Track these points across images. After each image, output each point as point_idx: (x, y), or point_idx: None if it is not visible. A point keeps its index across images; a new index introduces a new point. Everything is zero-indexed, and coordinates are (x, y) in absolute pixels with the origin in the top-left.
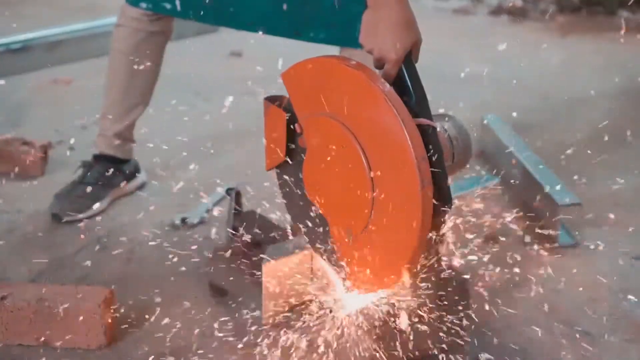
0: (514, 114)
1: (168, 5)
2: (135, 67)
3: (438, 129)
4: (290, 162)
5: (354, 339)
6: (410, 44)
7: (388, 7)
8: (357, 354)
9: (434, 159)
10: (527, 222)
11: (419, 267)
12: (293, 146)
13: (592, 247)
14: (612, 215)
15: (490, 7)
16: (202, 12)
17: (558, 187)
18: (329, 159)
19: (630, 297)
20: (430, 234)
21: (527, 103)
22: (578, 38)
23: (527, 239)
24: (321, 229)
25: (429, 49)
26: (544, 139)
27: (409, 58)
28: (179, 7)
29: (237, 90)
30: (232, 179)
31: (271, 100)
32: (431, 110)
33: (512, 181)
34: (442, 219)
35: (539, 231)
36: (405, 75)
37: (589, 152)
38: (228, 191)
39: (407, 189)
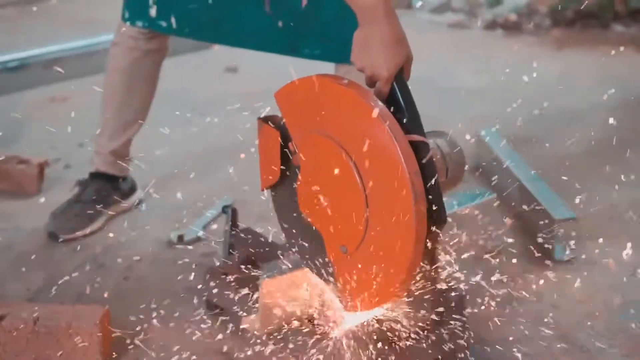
0: (510, 128)
1: (164, 24)
2: (132, 85)
3: (431, 146)
4: (285, 181)
5: (350, 356)
6: (402, 61)
7: (378, 25)
8: None
9: (427, 174)
10: (524, 237)
11: (414, 282)
12: (287, 166)
13: (589, 261)
14: (609, 229)
15: (485, 21)
16: (198, 30)
17: (554, 201)
18: (323, 176)
19: (627, 311)
20: (425, 250)
21: (522, 116)
22: (573, 51)
23: (524, 253)
24: (316, 248)
25: (425, 63)
26: (540, 153)
27: (401, 75)
28: (174, 25)
29: (232, 106)
30: (228, 195)
31: (265, 120)
32: (425, 126)
33: (507, 196)
34: (438, 235)
35: (536, 246)
36: (397, 92)
37: (584, 165)
38: (224, 208)
39: (400, 204)
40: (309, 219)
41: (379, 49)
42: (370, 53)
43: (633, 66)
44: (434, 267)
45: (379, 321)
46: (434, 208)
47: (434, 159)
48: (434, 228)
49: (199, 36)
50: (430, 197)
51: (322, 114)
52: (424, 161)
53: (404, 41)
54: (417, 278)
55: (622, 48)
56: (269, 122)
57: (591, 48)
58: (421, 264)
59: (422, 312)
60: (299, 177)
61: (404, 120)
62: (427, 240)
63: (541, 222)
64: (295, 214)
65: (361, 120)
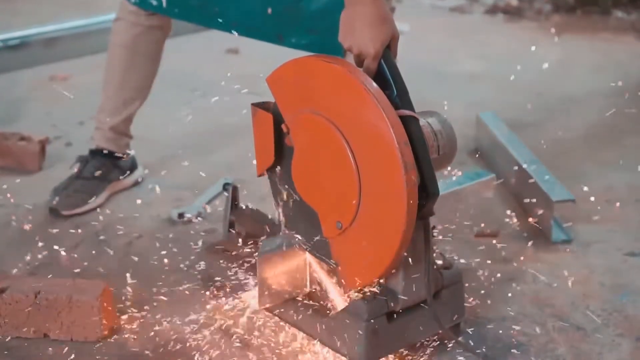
0: (509, 112)
1: (154, 2)
2: (133, 60)
3: (422, 123)
4: (280, 163)
5: (344, 332)
6: (387, 39)
7: (363, 4)
8: (350, 346)
9: (417, 146)
10: (522, 218)
11: (410, 259)
12: (281, 148)
13: (585, 243)
14: (605, 212)
15: (486, 6)
16: (187, 11)
17: (552, 184)
18: (316, 154)
19: (622, 292)
20: (419, 224)
21: (522, 101)
22: (573, 37)
23: (522, 234)
24: (312, 227)
25: (425, 47)
26: (539, 136)
27: (388, 52)
28: (164, 4)
29: (233, 87)
30: (228, 175)
31: (258, 105)
32: (424, 109)
33: (506, 177)
34: (431, 208)
35: (533, 227)
36: (385, 69)
37: (582, 149)
38: (225, 186)
39: (391, 175)
40: (304, 198)
41: (364, 27)
42: (356, 32)
43: (632, 52)
44: (429, 241)
45: (374, 295)
46: (426, 180)
47: (424, 135)
48: (426, 199)
49: (187, 17)
50: (421, 169)
51: (312, 92)
52: (413, 133)
53: (389, 20)
54: (413, 253)
55: (621, 34)
56: (263, 107)
57: (591, 34)
58: (415, 238)
59: (420, 287)
60: (294, 157)
61: (393, 96)
62: (421, 214)
63: (539, 204)
64: (290, 194)
65: (350, 96)
